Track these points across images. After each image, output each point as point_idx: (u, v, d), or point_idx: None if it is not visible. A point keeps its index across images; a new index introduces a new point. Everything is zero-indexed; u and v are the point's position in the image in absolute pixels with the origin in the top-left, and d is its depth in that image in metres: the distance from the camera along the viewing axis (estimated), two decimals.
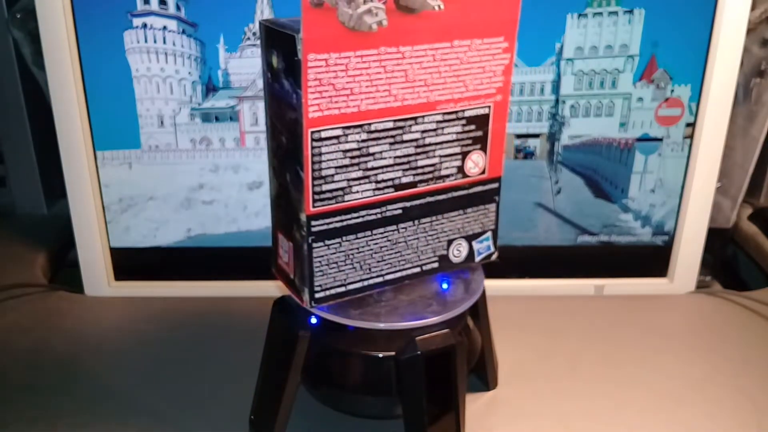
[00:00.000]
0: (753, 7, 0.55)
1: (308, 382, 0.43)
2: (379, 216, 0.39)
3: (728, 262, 0.71)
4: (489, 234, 0.44)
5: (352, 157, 0.36)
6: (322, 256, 0.37)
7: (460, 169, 0.41)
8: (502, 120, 0.41)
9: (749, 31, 0.54)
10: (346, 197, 0.37)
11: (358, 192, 0.37)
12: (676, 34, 0.54)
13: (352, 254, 0.38)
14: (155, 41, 0.55)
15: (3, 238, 0.69)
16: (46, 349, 0.53)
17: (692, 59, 0.55)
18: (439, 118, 0.39)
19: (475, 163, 0.41)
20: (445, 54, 0.37)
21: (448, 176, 0.40)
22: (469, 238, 0.43)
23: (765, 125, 0.64)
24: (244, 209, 0.59)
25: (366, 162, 0.37)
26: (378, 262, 0.40)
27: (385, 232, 0.39)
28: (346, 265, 0.38)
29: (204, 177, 0.58)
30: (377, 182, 0.38)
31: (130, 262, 0.60)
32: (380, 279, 0.40)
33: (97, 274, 0.60)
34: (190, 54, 0.55)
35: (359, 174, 0.37)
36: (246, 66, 0.56)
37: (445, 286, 0.42)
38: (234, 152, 0.58)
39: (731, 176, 0.66)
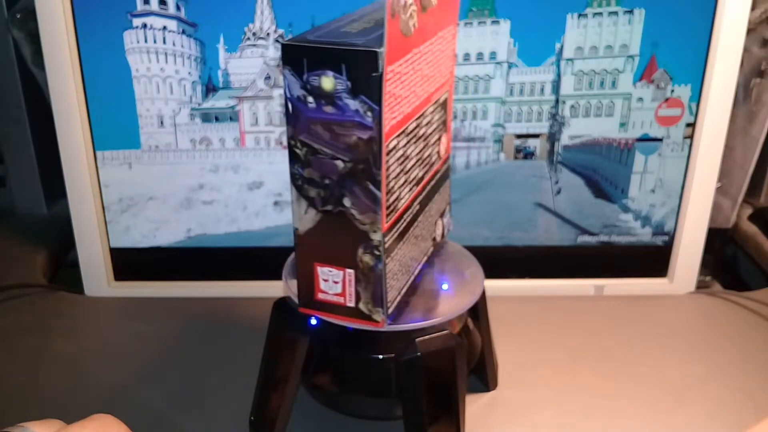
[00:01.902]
0: (753, 7, 0.55)
1: (308, 383, 0.43)
2: (410, 216, 0.39)
3: (728, 262, 0.71)
4: (448, 207, 0.45)
5: (400, 164, 0.36)
6: (390, 271, 0.37)
7: (438, 153, 0.42)
8: (451, 100, 0.43)
9: (749, 31, 0.54)
10: (398, 204, 0.37)
11: (402, 198, 0.37)
12: (676, 34, 0.54)
13: (400, 260, 0.38)
14: (155, 41, 0.55)
15: (3, 238, 0.69)
16: (46, 349, 0.53)
17: (692, 59, 0.55)
18: (432, 108, 0.39)
19: (443, 144, 0.42)
20: (436, 46, 0.38)
21: (435, 162, 0.41)
22: (442, 215, 0.44)
23: (765, 125, 0.64)
24: (244, 209, 0.59)
25: (405, 165, 0.37)
26: (410, 260, 0.40)
27: (413, 230, 0.39)
28: (398, 272, 0.38)
29: (204, 177, 0.58)
30: (409, 182, 0.38)
31: (130, 262, 0.60)
32: (411, 276, 0.40)
33: (97, 274, 0.60)
34: (190, 54, 0.55)
35: (403, 179, 0.37)
36: (246, 66, 0.56)
37: (445, 286, 0.42)
38: (234, 152, 0.58)
39: (731, 176, 0.66)
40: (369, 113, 0.32)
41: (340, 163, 0.34)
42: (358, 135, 0.33)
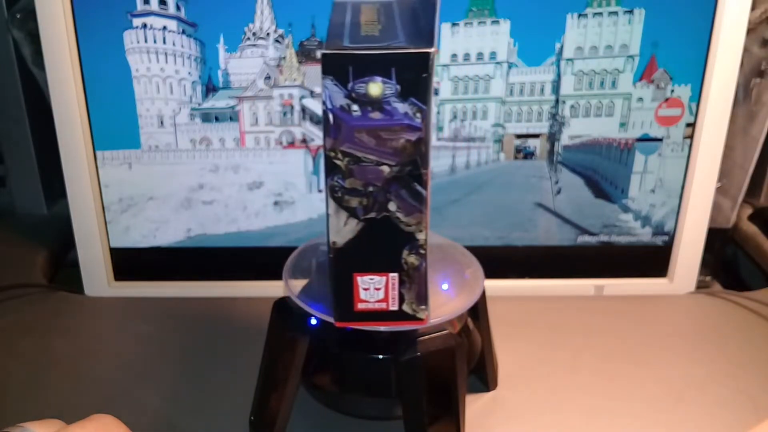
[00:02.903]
0: (753, 7, 0.55)
1: (308, 383, 0.43)
2: None
3: (728, 262, 0.71)
4: None
5: None
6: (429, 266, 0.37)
7: None
8: None
9: (749, 31, 0.54)
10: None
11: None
12: (676, 34, 0.54)
13: (429, 252, 0.38)
14: (155, 41, 0.55)
15: (3, 238, 0.69)
16: (46, 349, 0.53)
17: (692, 59, 0.55)
18: None
19: None
20: None
21: None
22: None
23: (765, 125, 0.64)
24: (243, 209, 0.59)
25: None
26: None
27: None
28: (429, 265, 0.38)
29: (204, 177, 0.58)
30: None
31: (130, 262, 0.60)
32: None
33: (97, 274, 0.60)
34: (190, 54, 0.55)
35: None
36: (246, 66, 0.56)
37: (445, 286, 0.42)
38: (234, 152, 0.58)
39: (731, 176, 0.66)
40: (418, 114, 0.32)
41: (386, 168, 0.33)
42: (407, 137, 0.33)
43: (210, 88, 0.56)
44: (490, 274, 0.44)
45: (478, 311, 0.45)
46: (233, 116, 0.57)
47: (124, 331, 0.57)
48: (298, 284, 0.42)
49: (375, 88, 0.31)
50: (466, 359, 0.42)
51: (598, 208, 0.60)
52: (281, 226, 0.60)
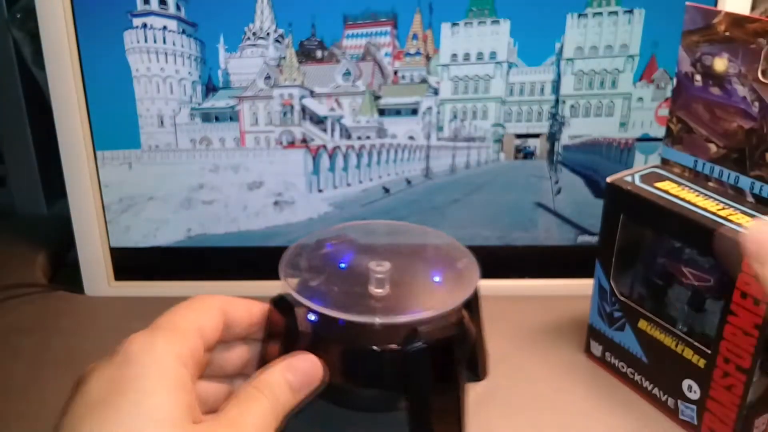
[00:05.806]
0: (753, 7, 0.55)
1: None
2: None
3: None
4: None
5: None
6: None
7: None
8: None
9: None
10: None
11: None
12: (676, 34, 0.54)
13: None
14: (155, 41, 0.55)
15: (3, 238, 0.69)
16: (46, 349, 0.53)
17: None
18: None
19: None
20: None
21: None
22: None
23: None
24: (244, 209, 0.59)
25: None
26: None
27: None
28: None
29: (204, 177, 0.58)
30: None
31: (130, 262, 0.60)
32: None
33: (97, 274, 0.60)
34: (190, 54, 0.56)
35: None
36: (246, 66, 0.56)
37: (437, 279, 0.42)
38: (234, 152, 0.58)
39: None
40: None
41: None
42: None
43: (210, 88, 0.57)
44: (490, 274, 0.44)
45: (471, 303, 0.45)
46: (233, 116, 0.57)
47: (124, 331, 0.56)
48: (296, 281, 0.42)
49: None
50: (462, 350, 0.42)
51: (598, 208, 0.59)
52: (281, 226, 0.60)
